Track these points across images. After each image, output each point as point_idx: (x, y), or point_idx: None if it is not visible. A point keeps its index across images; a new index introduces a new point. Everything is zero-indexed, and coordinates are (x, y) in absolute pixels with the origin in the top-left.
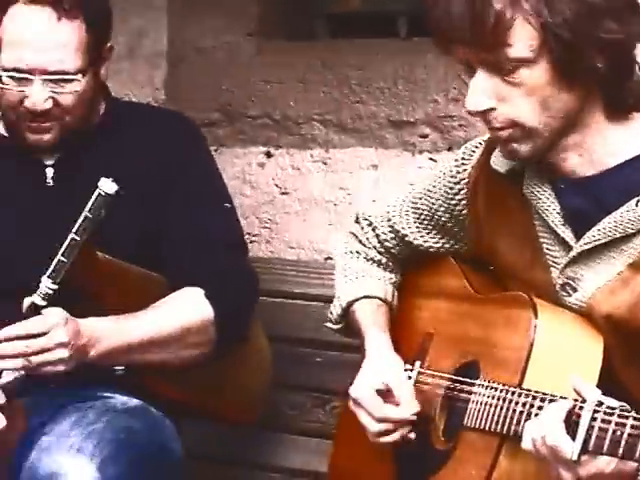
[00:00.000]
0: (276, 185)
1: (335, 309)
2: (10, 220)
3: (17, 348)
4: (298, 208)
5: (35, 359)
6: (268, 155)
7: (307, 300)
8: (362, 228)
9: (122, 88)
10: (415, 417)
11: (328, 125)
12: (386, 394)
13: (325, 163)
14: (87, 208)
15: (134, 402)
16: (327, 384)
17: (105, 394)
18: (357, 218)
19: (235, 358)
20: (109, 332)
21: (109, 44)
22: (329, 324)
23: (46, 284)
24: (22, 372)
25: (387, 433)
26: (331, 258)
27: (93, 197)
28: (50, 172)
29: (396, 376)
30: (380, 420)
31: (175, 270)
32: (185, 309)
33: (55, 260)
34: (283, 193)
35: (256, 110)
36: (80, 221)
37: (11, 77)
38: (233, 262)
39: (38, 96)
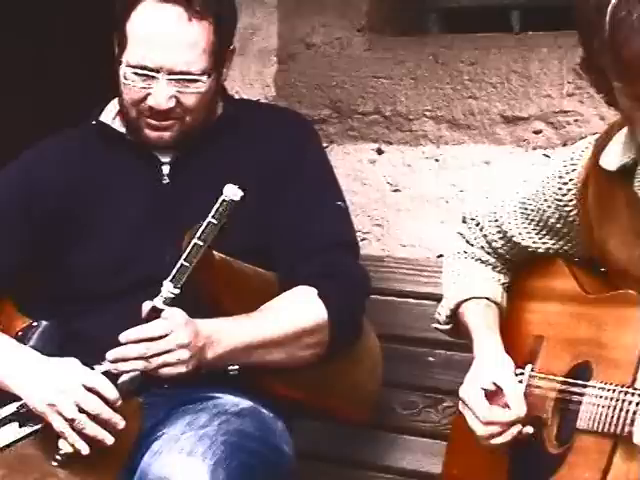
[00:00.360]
0: (387, 182)
1: (443, 310)
2: (127, 217)
3: (138, 350)
4: (409, 205)
5: (155, 361)
6: (379, 152)
7: (419, 298)
8: (469, 228)
9: (232, 85)
10: (521, 420)
11: (440, 121)
12: (495, 395)
13: (437, 160)
14: (211, 214)
15: (246, 404)
16: (439, 384)
17: (217, 395)
18: (464, 218)
19: (347, 356)
20: (228, 333)
21: (232, 46)
22: (437, 325)
23: (168, 288)
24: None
25: (495, 436)
26: (443, 256)
27: (217, 203)
28: (166, 169)
29: (506, 377)
30: (487, 423)
31: (287, 269)
32: (300, 309)
33: (177, 265)
34: (394, 190)
35: (367, 106)
36: (204, 227)
37: (136, 74)
38: (345, 262)
39: (162, 95)
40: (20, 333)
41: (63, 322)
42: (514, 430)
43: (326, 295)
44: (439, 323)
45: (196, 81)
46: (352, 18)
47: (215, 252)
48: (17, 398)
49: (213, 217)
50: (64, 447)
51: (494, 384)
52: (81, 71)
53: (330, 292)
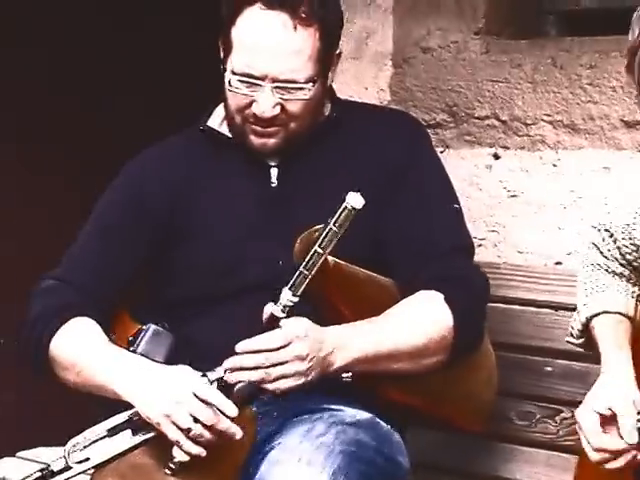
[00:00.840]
0: (504, 188)
1: (576, 324)
2: (236, 221)
3: (256, 360)
4: (526, 211)
5: (272, 372)
6: (495, 157)
7: (535, 307)
8: (603, 239)
9: (347, 89)
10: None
11: (558, 126)
12: (610, 420)
13: (555, 165)
14: (332, 221)
15: (363, 415)
16: (557, 394)
17: (333, 406)
18: (598, 228)
19: (464, 364)
20: (354, 341)
21: (338, 51)
22: (571, 339)
23: (287, 296)
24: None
25: (608, 461)
26: (561, 263)
27: (339, 210)
28: (274, 173)
29: (624, 402)
30: (597, 449)
31: (406, 274)
32: (426, 315)
33: (297, 273)
34: (511, 196)
35: (483, 111)
36: (324, 234)
37: (241, 81)
38: (466, 266)
39: (267, 103)
40: (131, 338)
41: (172, 326)
42: (628, 457)
43: (451, 299)
44: (572, 337)
45: (301, 89)
46: (469, 21)
47: (329, 257)
48: (129, 406)
49: (334, 225)
50: (178, 455)
51: (609, 409)
52: (195, 72)
53: (455, 296)
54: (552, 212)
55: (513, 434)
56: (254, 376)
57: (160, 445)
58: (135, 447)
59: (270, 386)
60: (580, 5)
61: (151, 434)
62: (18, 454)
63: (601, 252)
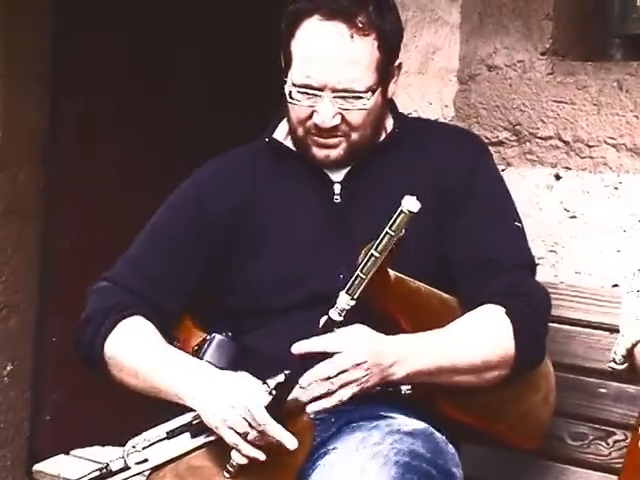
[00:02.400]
0: (564, 208)
1: (619, 349)
2: (299, 234)
3: (322, 389)
4: (585, 233)
5: (335, 382)
6: (557, 177)
7: (591, 328)
8: None
9: (411, 104)
10: None
11: (621, 149)
12: None
13: (616, 188)
14: (389, 225)
15: (418, 425)
16: (610, 416)
17: (389, 414)
18: None
19: (524, 382)
20: (417, 352)
21: (398, 61)
22: (612, 364)
23: (344, 300)
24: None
25: None
26: (617, 285)
27: (395, 214)
28: (338, 188)
29: None
30: None
31: (468, 290)
32: (488, 329)
33: (354, 276)
34: (571, 217)
35: (547, 131)
36: (381, 238)
37: (301, 92)
38: (529, 282)
39: (327, 112)
40: (196, 347)
41: (235, 336)
42: None
43: (513, 314)
44: (615, 362)
45: (360, 98)
46: (535, 41)
47: (390, 271)
48: (191, 409)
49: (390, 228)
50: (236, 458)
51: None
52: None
53: (517, 311)
54: (611, 234)
55: (565, 454)
56: (324, 389)
57: (218, 448)
58: (194, 450)
59: (327, 402)
60: None
61: (210, 438)
62: (72, 452)
63: None
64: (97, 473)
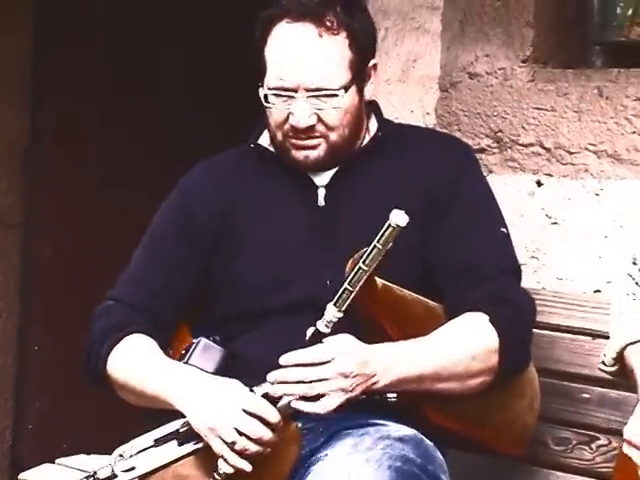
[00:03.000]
0: (546, 215)
1: (609, 351)
2: (284, 239)
3: (299, 375)
4: (567, 239)
5: (315, 387)
6: (539, 184)
7: (574, 334)
8: (639, 270)
9: (393, 111)
10: None
11: (602, 155)
12: None
13: (597, 194)
14: (377, 239)
15: (408, 431)
16: (594, 421)
17: (378, 421)
18: (635, 260)
19: (510, 388)
20: (400, 361)
21: (373, 62)
22: (602, 366)
23: (331, 312)
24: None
25: None
26: (600, 291)
27: (383, 228)
28: (322, 193)
29: None
30: None
31: (454, 296)
32: (471, 336)
33: (341, 289)
34: (552, 223)
35: (528, 138)
36: (369, 251)
37: (276, 95)
38: (513, 289)
39: (302, 113)
40: (183, 351)
41: (223, 341)
42: None
43: (497, 321)
44: (604, 364)
45: (334, 96)
46: (516, 49)
47: (377, 278)
48: (177, 417)
49: (378, 242)
50: (223, 467)
51: None
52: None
53: (501, 318)
54: (593, 240)
55: (549, 459)
56: (297, 390)
57: (205, 457)
58: (181, 458)
59: (313, 406)
60: (627, 37)
61: (197, 445)
62: (57, 461)
63: (637, 283)
64: None
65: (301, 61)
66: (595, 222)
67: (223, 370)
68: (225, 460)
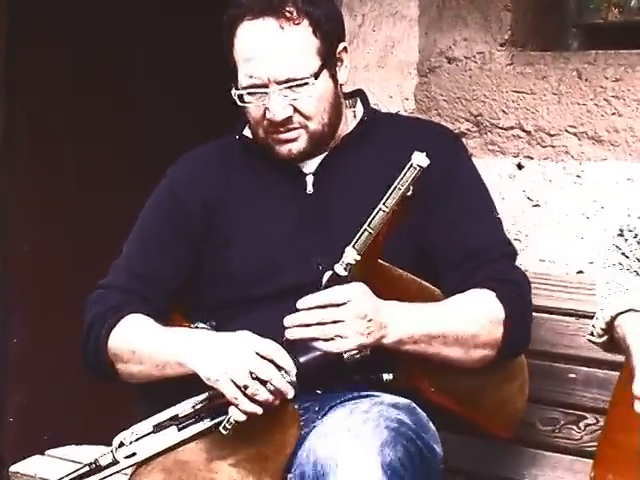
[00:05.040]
0: (527, 197)
1: (598, 322)
2: (273, 227)
3: (315, 316)
4: (549, 221)
5: (332, 328)
6: (519, 167)
7: (558, 314)
8: (626, 240)
9: (372, 98)
10: None
11: (582, 137)
12: None
13: (578, 176)
14: (398, 179)
15: (402, 400)
16: (581, 401)
17: (373, 393)
18: (622, 231)
19: (502, 371)
20: (410, 317)
21: (342, 45)
22: (591, 337)
23: (350, 254)
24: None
25: None
26: (582, 272)
27: (405, 169)
28: (310, 180)
29: None
30: None
31: (455, 280)
32: (479, 305)
33: (361, 230)
34: (534, 205)
35: (508, 121)
36: (390, 192)
37: (250, 94)
38: (514, 271)
39: (276, 106)
40: None
41: (216, 326)
42: None
43: (503, 297)
44: (593, 335)
45: (306, 84)
46: (494, 33)
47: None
48: (173, 403)
49: (399, 183)
50: (234, 414)
51: None
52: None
53: (507, 295)
54: (574, 222)
55: (537, 439)
56: (314, 332)
57: (207, 442)
58: (181, 443)
59: (331, 346)
60: (604, 19)
61: (197, 429)
62: (47, 452)
63: (624, 253)
64: (86, 469)
65: (267, 56)
66: (576, 203)
67: None
68: (236, 406)
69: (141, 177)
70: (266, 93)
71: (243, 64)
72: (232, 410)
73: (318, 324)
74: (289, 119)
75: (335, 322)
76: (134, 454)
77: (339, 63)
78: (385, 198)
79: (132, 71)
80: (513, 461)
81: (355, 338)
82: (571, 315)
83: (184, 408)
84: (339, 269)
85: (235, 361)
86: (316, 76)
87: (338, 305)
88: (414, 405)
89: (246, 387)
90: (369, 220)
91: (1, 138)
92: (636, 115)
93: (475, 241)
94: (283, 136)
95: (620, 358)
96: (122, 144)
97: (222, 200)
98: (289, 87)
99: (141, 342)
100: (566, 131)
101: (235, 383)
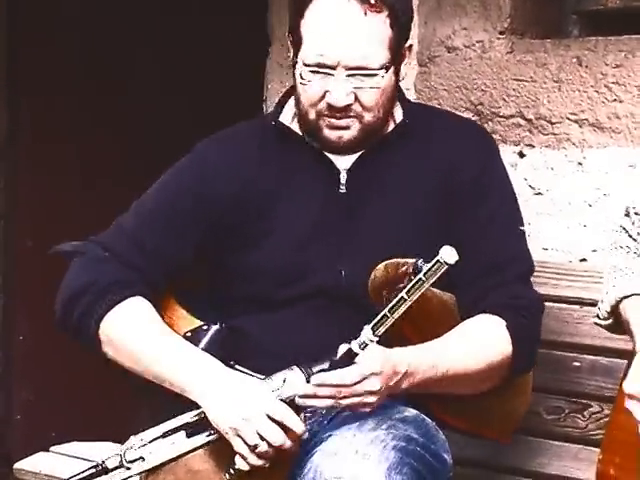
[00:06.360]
0: (529, 185)
1: (604, 305)
2: (301, 224)
3: (330, 392)
4: (551, 209)
5: (343, 402)
6: (521, 155)
7: (562, 302)
8: (633, 223)
9: None
10: None
11: (583, 124)
12: None
13: (580, 163)
14: (423, 272)
15: (410, 412)
16: (585, 389)
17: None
18: (628, 212)
19: (511, 387)
20: (425, 366)
21: (409, 42)
22: (596, 319)
23: (367, 334)
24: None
25: None
26: (586, 260)
27: (432, 262)
28: (344, 177)
29: None
30: None
31: (469, 297)
32: (489, 342)
33: (381, 314)
34: (536, 194)
35: (509, 109)
36: (413, 283)
37: (313, 72)
38: (528, 294)
39: (341, 90)
40: (189, 334)
41: (231, 326)
42: None
43: (513, 328)
44: (599, 318)
45: (374, 75)
46: (494, 21)
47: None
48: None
49: (425, 275)
50: (240, 465)
51: None
52: (236, 71)
53: (517, 325)
54: (577, 210)
55: (542, 428)
56: (325, 404)
57: (217, 451)
58: (190, 451)
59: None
60: (604, 5)
61: (209, 438)
62: (52, 449)
63: (630, 235)
64: (92, 470)
65: (344, 38)
66: (579, 191)
67: (232, 357)
68: (244, 459)
69: (144, 176)
70: (331, 75)
71: (315, 40)
72: (238, 459)
73: (332, 398)
74: (348, 106)
75: (348, 397)
76: (142, 458)
77: (403, 59)
78: (408, 287)
79: (135, 71)
80: (518, 450)
81: (362, 408)
82: (575, 303)
83: (194, 415)
84: (355, 347)
85: (246, 423)
86: (387, 69)
87: (352, 384)
88: (422, 417)
89: (256, 447)
90: (390, 306)
91: (4, 138)
92: (637, 101)
93: (494, 256)
94: (337, 122)
95: (625, 345)
96: (125, 143)
97: (251, 190)
98: (356, 75)
99: (141, 344)
100: (567, 118)
101: (244, 441)
